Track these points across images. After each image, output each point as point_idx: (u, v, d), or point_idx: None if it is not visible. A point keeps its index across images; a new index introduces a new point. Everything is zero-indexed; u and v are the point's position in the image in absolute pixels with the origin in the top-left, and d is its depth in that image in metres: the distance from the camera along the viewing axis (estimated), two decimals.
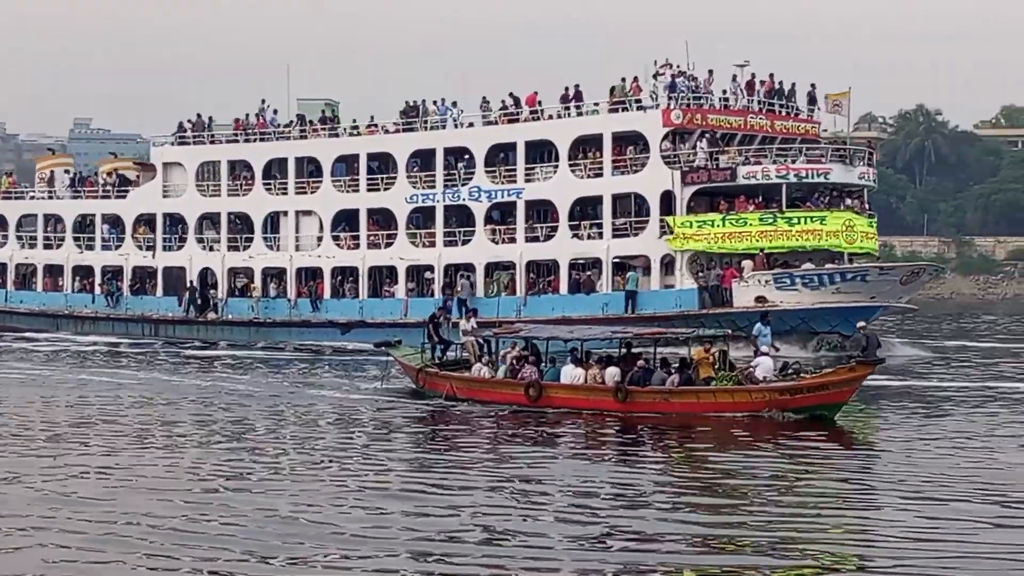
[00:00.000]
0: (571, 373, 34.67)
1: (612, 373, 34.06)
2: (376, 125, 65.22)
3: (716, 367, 33.46)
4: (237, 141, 68.18)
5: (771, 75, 57.89)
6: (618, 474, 25.33)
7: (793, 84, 58.51)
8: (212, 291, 66.99)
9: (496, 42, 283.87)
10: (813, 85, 59.17)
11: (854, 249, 54.43)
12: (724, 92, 56.86)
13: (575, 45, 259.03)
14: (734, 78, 57.12)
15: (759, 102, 57.14)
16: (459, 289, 59.09)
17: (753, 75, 57.43)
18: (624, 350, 35.81)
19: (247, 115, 69.03)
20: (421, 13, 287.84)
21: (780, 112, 57.82)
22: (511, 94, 60.98)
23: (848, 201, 54.82)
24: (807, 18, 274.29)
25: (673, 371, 33.59)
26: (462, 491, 23.03)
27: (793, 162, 54.41)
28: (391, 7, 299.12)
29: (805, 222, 53.60)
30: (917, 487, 23.05)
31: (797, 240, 53.66)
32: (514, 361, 36.13)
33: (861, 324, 38.64)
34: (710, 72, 56.94)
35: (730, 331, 38.99)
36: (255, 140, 67.51)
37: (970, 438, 29.18)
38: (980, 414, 33.57)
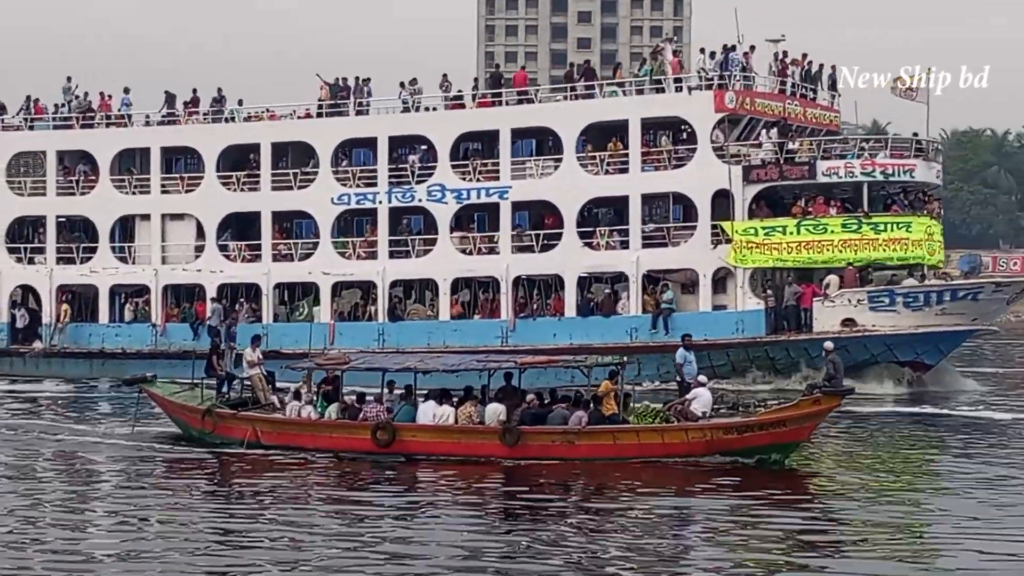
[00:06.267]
0: (433, 411, 28.66)
1: (495, 410, 28.13)
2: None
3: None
4: (71, 127, 53.73)
5: (804, 55, 48.89)
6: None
7: (821, 65, 49.65)
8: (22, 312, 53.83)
9: None
10: (834, 67, 50.39)
11: (932, 261, 46.02)
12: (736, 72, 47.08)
13: None
14: (776, 57, 47.77)
15: (794, 85, 47.95)
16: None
17: (785, 53, 48.21)
18: (505, 382, 29.58)
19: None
20: None
21: (810, 98, 48.87)
22: (496, 67, 49.23)
23: (929, 204, 46.40)
24: None
25: (575, 407, 27.97)
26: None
27: (873, 156, 45.44)
28: None
29: (892, 229, 44.71)
30: None
31: (884, 250, 44.64)
32: (352, 399, 29.73)
33: (828, 345, 30.80)
34: (751, 48, 47.27)
35: (625, 359, 30.91)
36: (100, 125, 53.33)
37: None
38: None
